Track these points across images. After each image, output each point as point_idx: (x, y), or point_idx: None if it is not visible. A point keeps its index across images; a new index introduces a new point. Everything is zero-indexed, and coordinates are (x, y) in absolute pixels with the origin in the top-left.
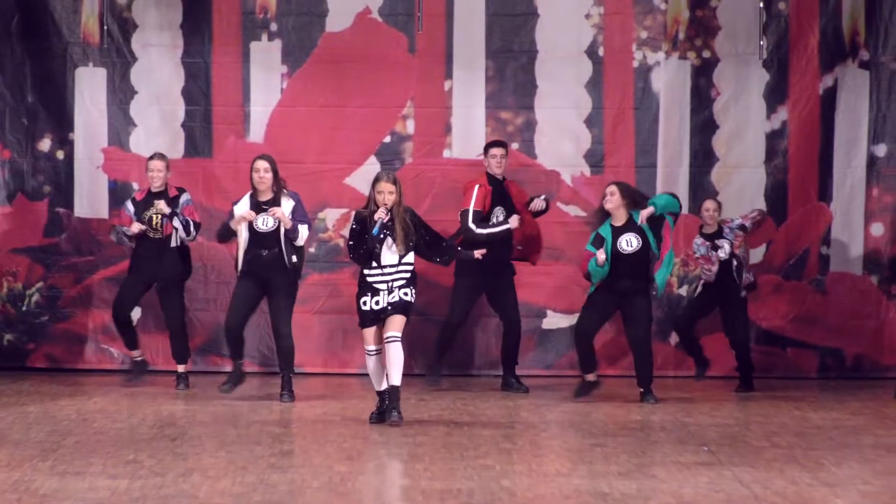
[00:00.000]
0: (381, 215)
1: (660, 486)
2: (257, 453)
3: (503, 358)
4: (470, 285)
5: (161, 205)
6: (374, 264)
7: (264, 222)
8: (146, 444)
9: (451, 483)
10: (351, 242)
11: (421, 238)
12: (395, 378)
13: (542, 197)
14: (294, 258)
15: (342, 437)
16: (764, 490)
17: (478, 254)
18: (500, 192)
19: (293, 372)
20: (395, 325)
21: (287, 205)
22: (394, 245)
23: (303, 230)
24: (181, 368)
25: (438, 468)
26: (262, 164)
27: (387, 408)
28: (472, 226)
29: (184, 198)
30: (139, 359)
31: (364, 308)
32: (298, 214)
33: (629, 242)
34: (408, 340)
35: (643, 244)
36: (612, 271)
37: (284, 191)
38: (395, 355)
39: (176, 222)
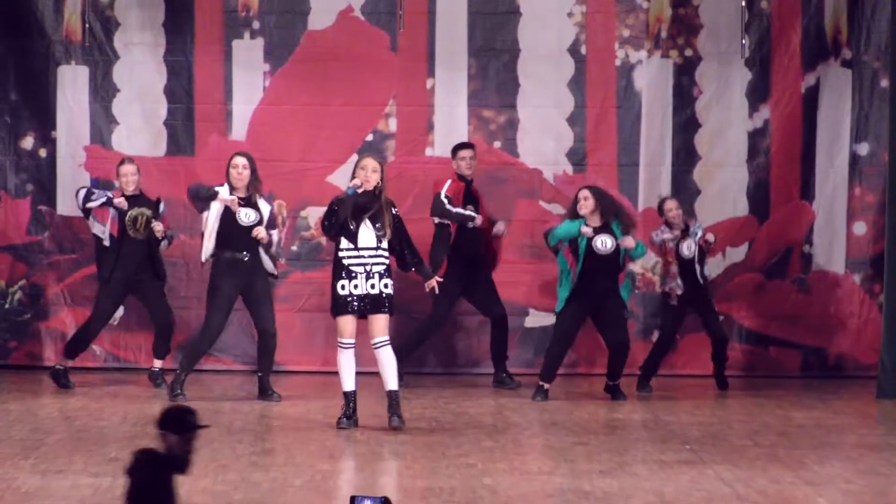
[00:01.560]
0: (356, 183)
1: (641, 485)
2: (239, 451)
3: (493, 354)
4: (444, 284)
5: (145, 209)
6: (350, 245)
7: (247, 216)
8: (128, 442)
9: (433, 481)
10: (325, 221)
11: (397, 230)
12: (392, 383)
13: (502, 223)
14: (272, 264)
15: (324, 435)
16: (746, 489)
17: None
18: (471, 192)
19: None
20: (381, 328)
21: (265, 207)
22: (372, 226)
23: (275, 237)
24: (159, 364)
25: (420, 466)
26: (241, 161)
27: (388, 412)
28: (444, 200)
29: (162, 206)
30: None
31: (342, 293)
32: (270, 220)
33: (604, 243)
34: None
35: (616, 247)
36: (587, 271)
37: (259, 194)
38: (388, 359)
39: (164, 244)
